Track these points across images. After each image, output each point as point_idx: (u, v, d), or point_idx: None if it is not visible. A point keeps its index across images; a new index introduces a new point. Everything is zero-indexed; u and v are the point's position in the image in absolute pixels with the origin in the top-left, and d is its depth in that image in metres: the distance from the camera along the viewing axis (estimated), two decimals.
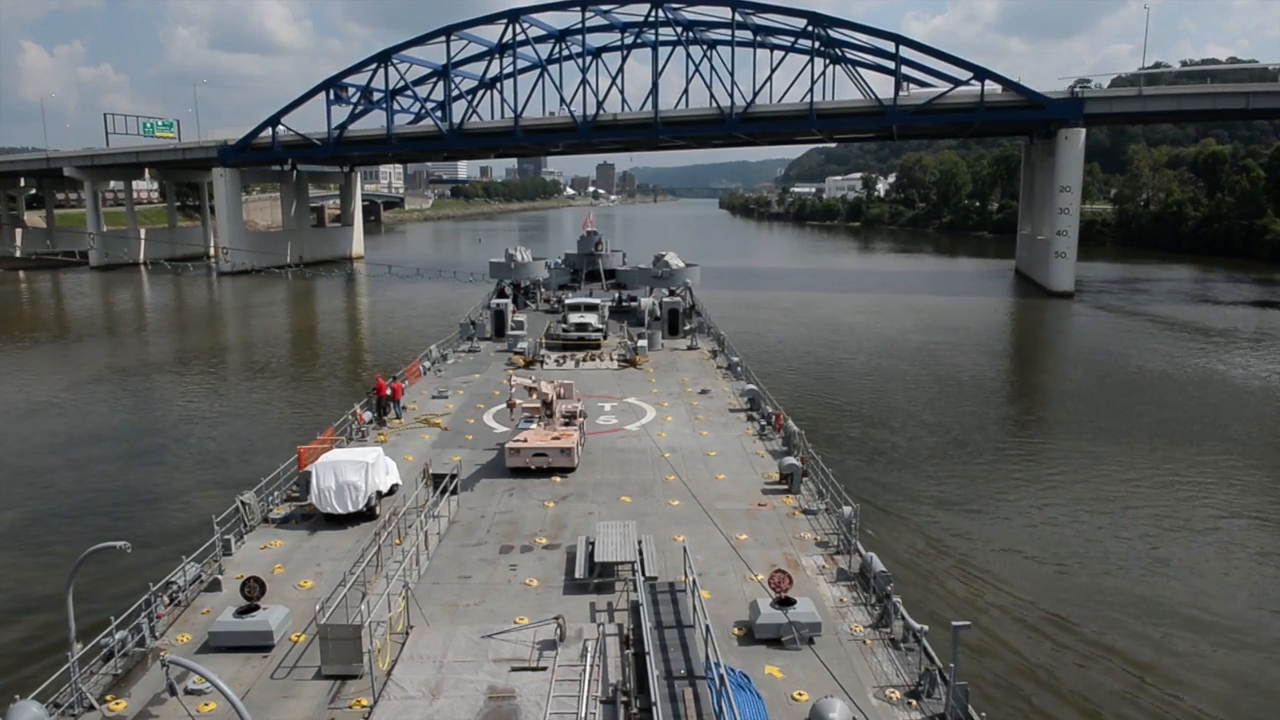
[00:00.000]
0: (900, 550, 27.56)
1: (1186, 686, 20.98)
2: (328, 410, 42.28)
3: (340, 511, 22.64)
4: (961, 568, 27.17)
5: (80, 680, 14.81)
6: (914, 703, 14.55)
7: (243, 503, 22.43)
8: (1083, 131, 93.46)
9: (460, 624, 17.25)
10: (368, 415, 32.16)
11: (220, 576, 19.48)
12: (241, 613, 16.96)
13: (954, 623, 14.01)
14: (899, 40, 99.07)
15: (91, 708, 14.60)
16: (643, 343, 45.47)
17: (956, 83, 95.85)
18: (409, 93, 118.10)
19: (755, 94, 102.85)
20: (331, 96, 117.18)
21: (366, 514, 22.92)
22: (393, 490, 24.82)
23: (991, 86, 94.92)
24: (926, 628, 15.88)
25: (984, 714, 13.61)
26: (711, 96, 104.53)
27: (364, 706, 14.55)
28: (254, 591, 17.07)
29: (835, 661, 15.64)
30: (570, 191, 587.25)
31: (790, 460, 25.52)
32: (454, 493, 24.02)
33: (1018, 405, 50.99)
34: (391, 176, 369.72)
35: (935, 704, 14.33)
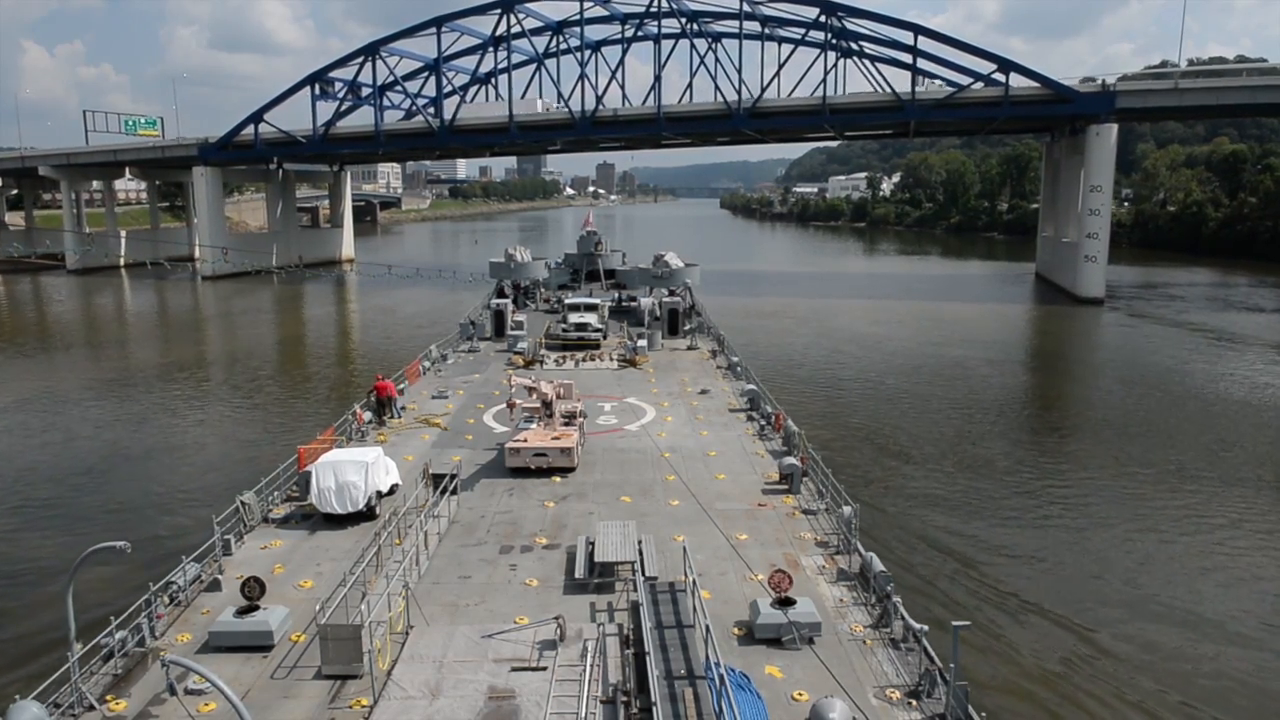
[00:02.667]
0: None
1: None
2: (278, 449, 36.12)
3: (340, 511, 22.63)
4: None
5: (80, 680, 14.82)
6: (914, 703, 14.55)
7: (243, 503, 22.43)
8: (1115, 127, 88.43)
9: (460, 624, 17.25)
10: (367, 415, 32.16)
11: (220, 576, 19.48)
12: (241, 613, 16.95)
13: (954, 623, 14.03)
14: (918, 30, 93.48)
15: (91, 708, 14.60)
16: (642, 343, 45.47)
17: (977, 76, 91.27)
18: (399, 88, 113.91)
19: (764, 88, 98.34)
20: (317, 91, 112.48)
21: (366, 514, 22.92)
22: (393, 490, 24.81)
23: (1016, 80, 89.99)
24: (926, 628, 15.88)
25: (984, 714, 13.61)
26: (716, 89, 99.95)
27: (364, 706, 14.55)
28: (254, 591, 17.06)
29: (835, 661, 15.64)
30: (570, 191, 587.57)
31: (790, 460, 25.52)
32: (454, 493, 24.02)
33: (1087, 440, 42.03)
34: (390, 176, 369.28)
35: (935, 704, 14.33)
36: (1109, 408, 48.19)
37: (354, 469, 22.94)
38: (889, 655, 16.06)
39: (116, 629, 16.12)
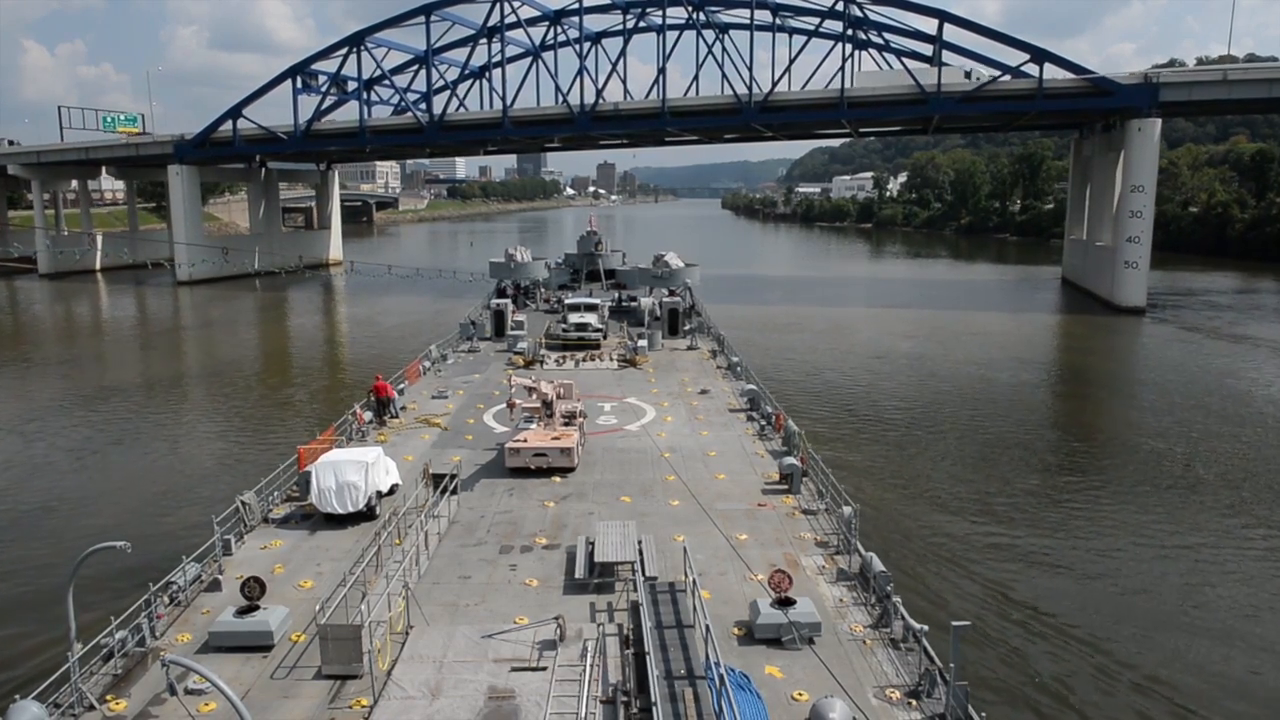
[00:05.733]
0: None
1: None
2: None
3: (340, 511, 22.64)
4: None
5: (80, 680, 14.82)
6: (914, 703, 14.55)
7: (243, 503, 22.45)
8: (1158, 122, 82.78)
9: (460, 624, 17.25)
10: (368, 415, 32.17)
11: (220, 576, 19.49)
12: (241, 613, 16.97)
13: (954, 623, 14.03)
14: (943, 17, 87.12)
15: (91, 708, 14.61)
16: (643, 343, 45.51)
17: (1005, 68, 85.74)
18: (387, 82, 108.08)
19: (776, 81, 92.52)
20: (299, 85, 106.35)
21: (366, 514, 22.93)
22: (393, 490, 24.83)
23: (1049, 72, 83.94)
24: (926, 628, 15.88)
25: (984, 714, 13.61)
26: (725, 81, 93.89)
27: (364, 706, 14.56)
28: (254, 591, 17.08)
29: (835, 661, 15.63)
30: (570, 191, 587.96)
31: (790, 460, 25.52)
32: (454, 493, 24.03)
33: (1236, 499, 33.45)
34: (389, 176, 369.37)
35: (935, 704, 14.33)
36: (1219, 450, 39.73)
37: (354, 469, 22.94)
38: (889, 655, 16.05)
39: (116, 629, 16.12)
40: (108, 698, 14.95)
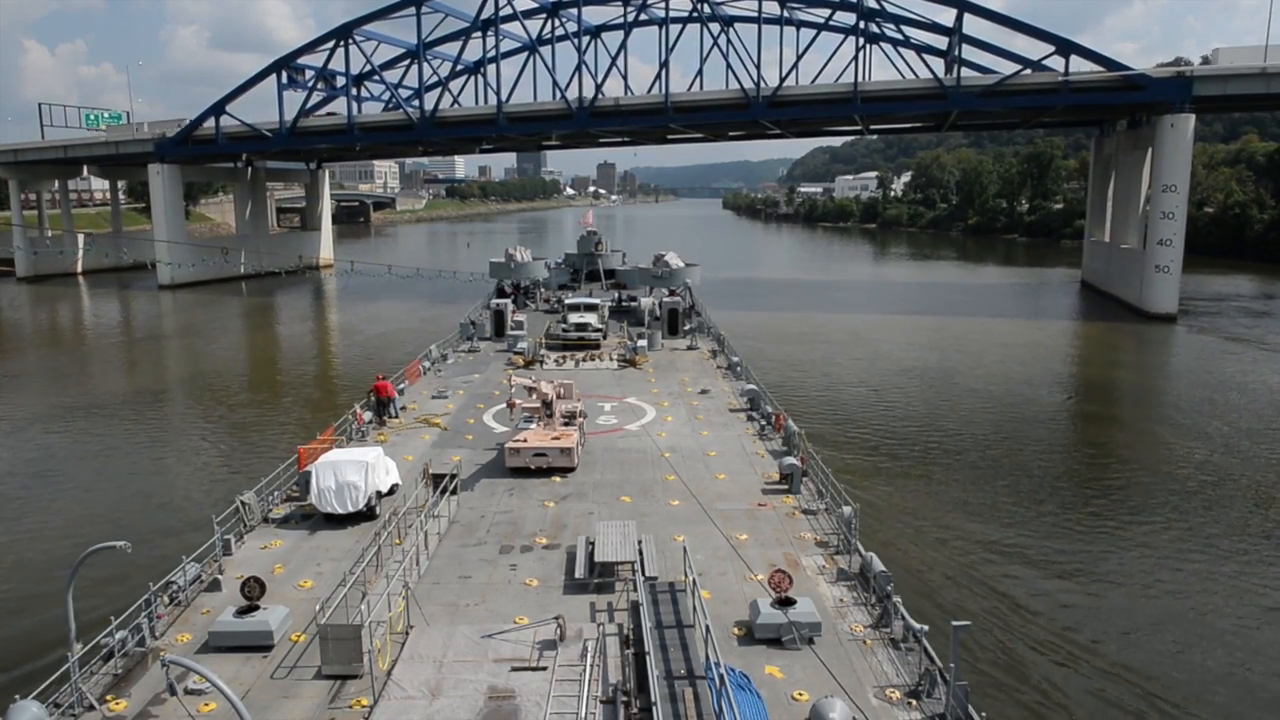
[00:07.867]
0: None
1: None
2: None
3: (340, 511, 22.64)
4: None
5: (80, 680, 14.82)
6: (914, 703, 14.55)
7: (243, 503, 22.45)
8: (1192, 118, 78.09)
9: (460, 624, 17.25)
10: (368, 415, 32.18)
11: (220, 576, 19.49)
12: (241, 613, 16.96)
13: (954, 623, 14.02)
14: (962, 6, 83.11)
15: (91, 708, 14.61)
16: (643, 343, 45.51)
17: (1026, 62, 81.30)
18: (377, 77, 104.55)
19: (785, 76, 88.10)
20: (284, 80, 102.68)
21: (366, 514, 22.93)
22: (393, 490, 24.83)
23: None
24: (926, 628, 15.87)
25: (984, 714, 13.61)
26: (730, 74, 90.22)
27: (364, 706, 14.56)
28: (254, 591, 17.08)
29: (835, 661, 15.63)
30: (570, 191, 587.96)
31: (790, 460, 25.52)
32: (454, 493, 24.04)
33: None
34: (387, 176, 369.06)
35: (935, 704, 14.33)
36: None
37: (354, 469, 22.95)
38: (889, 655, 16.05)
39: (116, 629, 16.12)
40: (108, 698, 14.95)
